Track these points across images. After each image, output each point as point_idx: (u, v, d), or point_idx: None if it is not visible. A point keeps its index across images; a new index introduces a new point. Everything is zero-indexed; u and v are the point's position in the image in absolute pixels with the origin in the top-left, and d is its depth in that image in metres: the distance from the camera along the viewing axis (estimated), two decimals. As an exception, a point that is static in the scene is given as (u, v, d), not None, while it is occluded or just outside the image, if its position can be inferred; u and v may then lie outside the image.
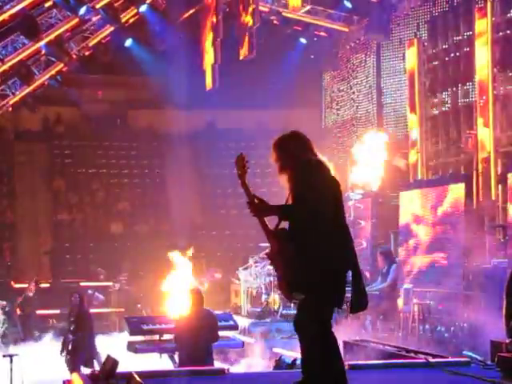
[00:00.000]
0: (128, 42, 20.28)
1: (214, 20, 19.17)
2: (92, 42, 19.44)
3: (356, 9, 18.79)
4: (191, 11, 19.85)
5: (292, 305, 12.91)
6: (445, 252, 14.43)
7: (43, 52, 18.29)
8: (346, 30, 19.68)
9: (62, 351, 11.57)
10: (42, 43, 17.52)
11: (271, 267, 14.60)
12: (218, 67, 19.47)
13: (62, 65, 19.33)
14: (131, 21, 19.70)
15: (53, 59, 18.88)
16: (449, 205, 14.52)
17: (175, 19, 19.39)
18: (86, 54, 19.58)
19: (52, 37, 17.59)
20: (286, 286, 5.04)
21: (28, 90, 19.56)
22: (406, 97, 18.05)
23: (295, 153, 5.13)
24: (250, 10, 17.57)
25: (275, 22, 19.17)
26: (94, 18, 18.67)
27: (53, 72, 19.59)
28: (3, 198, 23.18)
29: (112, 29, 19.21)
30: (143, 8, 18.72)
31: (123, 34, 19.96)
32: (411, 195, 16.18)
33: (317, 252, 4.87)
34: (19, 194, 23.50)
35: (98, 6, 17.45)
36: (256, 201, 5.14)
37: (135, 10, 19.14)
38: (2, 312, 13.76)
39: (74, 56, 19.25)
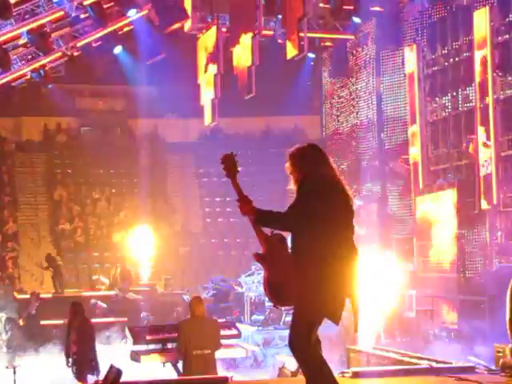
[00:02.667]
0: (117, 50, 20.18)
1: (213, 52, 19.07)
2: (80, 43, 19.27)
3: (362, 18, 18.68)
4: (180, 23, 19.81)
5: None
6: (448, 256, 14.44)
7: (26, 41, 18.10)
8: (353, 37, 19.65)
9: (67, 363, 11.56)
10: (23, 29, 17.41)
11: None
12: (217, 102, 19.37)
13: (46, 60, 19.20)
14: (124, 30, 19.69)
15: (39, 53, 18.80)
16: (450, 209, 14.53)
17: (163, 29, 19.37)
18: (75, 54, 19.48)
19: (34, 25, 17.44)
20: (271, 290, 5.04)
21: (8, 77, 19.35)
22: (406, 102, 18.07)
23: (311, 166, 5.09)
24: (250, 45, 17.42)
25: (280, 41, 19.01)
26: (86, 21, 18.68)
27: (36, 65, 19.39)
28: (5, 209, 23.18)
29: (103, 33, 19.19)
30: (132, 13, 18.66)
31: (113, 41, 19.89)
32: (413, 201, 16.20)
33: (314, 265, 4.88)
34: (21, 204, 23.52)
35: (85, 3, 17.41)
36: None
37: (128, 20, 19.16)
38: (6, 322, 13.72)
39: (61, 53, 19.16)
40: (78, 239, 23.05)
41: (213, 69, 19.25)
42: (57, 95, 22.70)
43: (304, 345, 4.80)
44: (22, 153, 24.78)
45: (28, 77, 19.69)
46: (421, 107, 17.26)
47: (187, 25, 19.74)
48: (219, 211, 23.47)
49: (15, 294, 17.09)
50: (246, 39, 17.61)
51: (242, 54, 17.77)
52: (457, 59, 16.27)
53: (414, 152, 17.43)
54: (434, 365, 6.88)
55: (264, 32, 18.24)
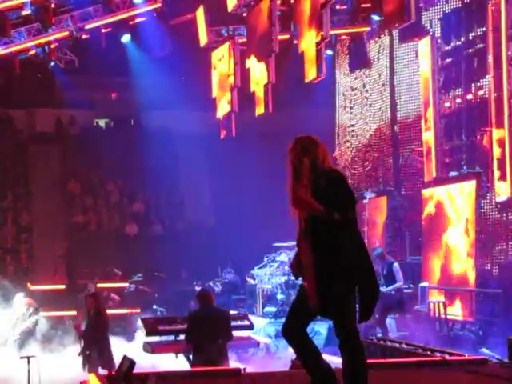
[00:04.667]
0: (125, 38, 20.13)
1: (231, 69, 18.94)
2: (89, 26, 19.15)
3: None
4: (189, 16, 19.79)
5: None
6: (461, 250, 14.38)
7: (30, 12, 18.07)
8: (368, 28, 19.50)
9: (80, 353, 11.61)
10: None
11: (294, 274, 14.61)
12: (234, 116, 19.26)
13: (52, 36, 19.22)
14: (136, 21, 19.67)
15: (47, 30, 18.81)
16: (463, 202, 14.47)
17: (172, 21, 19.35)
18: (83, 37, 19.46)
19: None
20: (315, 296, 4.96)
21: (12, 48, 19.37)
22: (419, 94, 17.98)
23: (321, 159, 5.09)
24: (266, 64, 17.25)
25: (296, 42, 18.87)
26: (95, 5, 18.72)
27: (42, 41, 19.35)
28: (19, 200, 23.31)
29: (112, 19, 19.18)
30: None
31: (123, 30, 19.86)
32: (426, 193, 16.14)
33: (345, 264, 4.88)
34: (35, 196, 23.64)
35: None
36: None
37: (138, 11, 19.16)
38: (33, 312, 13.70)
39: (68, 32, 19.17)
40: (91, 231, 23.16)
41: (229, 83, 19.14)
42: (70, 87, 22.74)
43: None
44: (35, 145, 24.87)
45: (33, 52, 19.63)
46: (435, 99, 17.18)
47: (203, 40, 19.71)
48: (231, 204, 23.46)
49: (29, 285, 17.17)
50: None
51: (259, 71, 17.63)
52: (471, 51, 16.17)
53: (428, 144, 17.36)
54: (447, 357, 6.86)
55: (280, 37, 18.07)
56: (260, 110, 17.74)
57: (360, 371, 4.91)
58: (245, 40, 18.98)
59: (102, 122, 27.07)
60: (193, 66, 21.90)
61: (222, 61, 19.69)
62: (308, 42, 15.73)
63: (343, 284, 4.86)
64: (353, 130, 21.18)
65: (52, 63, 20.02)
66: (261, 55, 17.52)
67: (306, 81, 16.05)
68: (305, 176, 4.95)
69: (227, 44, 19.26)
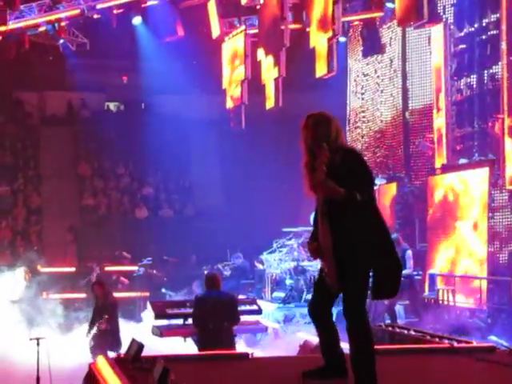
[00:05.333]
0: (136, 20, 20.03)
1: (242, 62, 18.83)
2: (101, 5, 19.08)
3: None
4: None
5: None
6: (471, 237, 14.35)
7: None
8: (382, 13, 19.35)
9: (88, 333, 11.68)
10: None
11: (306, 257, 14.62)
12: (244, 107, 19.18)
13: (63, 14, 19.19)
14: (147, 3, 19.62)
15: (58, 7, 18.81)
16: (475, 189, 14.42)
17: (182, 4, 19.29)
18: (94, 16, 19.41)
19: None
20: (333, 276, 4.94)
21: (22, 23, 19.37)
22: (431, 81, 17.88)
23: (335, 133, 5.01)
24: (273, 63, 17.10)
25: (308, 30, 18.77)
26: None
27: (52, 17, 19.37)
28: (30, 183, 23.38)
29: (126, 0, 19.14)
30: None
31: (135, 13, 19.78)
32: (437, 180, 16.09)
33: (364, 242, 4.83)
34: (45, 179, 23.70)
35: None
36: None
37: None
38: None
39: (79, 11, 19.15)
40: (101, 214, 23.21)
41: (239, 74, 19.07)
42: (81, 70, 22.73)
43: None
44: (46, 127, 24.91)
45: (43, 28, 19.61)
46: (446, 86, 17.08)
47: (215, 32, 19.63)
48: (241, 188, 23.46)
49: (39, 267, 17.24)
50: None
51: (270, 64, 17.54)
52: (484, 37, 16.06)
53: (439, 131, 17.28)
54: (455, 344, 6.85)
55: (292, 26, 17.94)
56: (270, 103, 17.73)
57: (367, 354, 4.83)
58: (256, 31, 18.88)
59: (112, 106, 27.06)
60: (204, 51, 21.85)
61: (232, 53, 19.63)
62: (319, 37, 15.65)
63: (360, 262, 4.82)
64: (364, 117, 21.10)
65: (61, 41, 19.98)
66: (270, 49, 17.43)
67: (317, 76, 15.96)
68: (324, 156, 4.85)
69: (238, 36, 19.17)
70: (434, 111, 17.59)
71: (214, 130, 23.82)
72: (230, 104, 19.91)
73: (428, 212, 16.18)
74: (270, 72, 17.62)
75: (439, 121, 17.32)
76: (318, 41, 15.66)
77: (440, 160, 17.06)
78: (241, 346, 10.91)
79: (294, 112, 21.74)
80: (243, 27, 19.23)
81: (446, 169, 16.33)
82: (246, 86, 18.85)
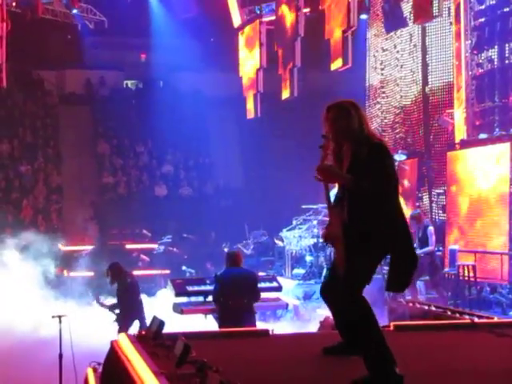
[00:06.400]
0: None
1: (257, 51, 18.66)
2: None
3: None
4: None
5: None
6: (492, 213, 14.26)
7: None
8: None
9: (110, 310, 11.77)
10: None
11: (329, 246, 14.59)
12: (260, 97, 19.03)
13: None
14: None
15: None
16: (496, 165, 14.31)
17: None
18: None
19: None
20: (342, 265, 4.89)
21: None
22: (451, 55, 17.69)
23: (361, 123, 4.91)
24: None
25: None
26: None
27: None
28: (49, 162, 23.49)
29: None
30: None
31: None
32: (457, 155, 15.98)
33: (378, 230, 4.75)
34: (65, 158, 23.81)
35: None
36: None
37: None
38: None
39: None
40: (120, 192, 23.30)
41: (255, 63, 18.96)
42: (99, 48, 22.73)
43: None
44: (65, 106, 24.98)
45: None
46: (467, 60, 16.89)
47: (236, 22, 19.50)
48: (260, 166, 23.46)
49: (60, 245, 17.37)
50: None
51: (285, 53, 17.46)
52: (506, 10, 15.84)
53: (459, 106, 17.12)
54: (476, 320, 6.83)
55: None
56: (286, 93, 17.65)
57: (367, 335, 4.67)
58: (273, 19, 18.74)
59: (131, 84, 27.08)
60: (220, 28, 21.77)
61: (248, 41, 19.52)
62: (334, 29, 15.53)
63: (367, 250, 4.75)
64: (383, 92, 20.94)
65: (74, 10, 19.97)
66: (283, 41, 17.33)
67: (332, 69, 15.89)
68: (326, 149, 4.87)
69: (254, 24, 19.07)
70: (454, 86, 17.42)
71: (232, 108, 23.76)
72: (245, 93, 19.77)
73: (448, 187, 16.09)
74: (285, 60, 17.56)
75: (459, 95, 17.15)
76: (333, 33, 15.56)
77: (459, 135, 16.93)
78: (261, 323, 10.95)
79: (315, 88, 21.76)
80: (258, 15, 19.15)
81: (465, 144, 16.20)
82: (261, 74, 18.74)
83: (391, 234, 4.79)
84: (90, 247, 18.33)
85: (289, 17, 17.83)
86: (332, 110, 4.96)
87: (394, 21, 19.81)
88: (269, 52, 18.87)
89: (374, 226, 4.76)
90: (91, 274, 16.38)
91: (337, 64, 15.48)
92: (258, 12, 19.56)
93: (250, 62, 19.42)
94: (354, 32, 16.51)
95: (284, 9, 17.92)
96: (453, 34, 17.43)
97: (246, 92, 19.81)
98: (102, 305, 12.02)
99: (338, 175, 4.84)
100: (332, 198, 5.09)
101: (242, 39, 19.99)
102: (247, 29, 19.52)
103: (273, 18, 18.81)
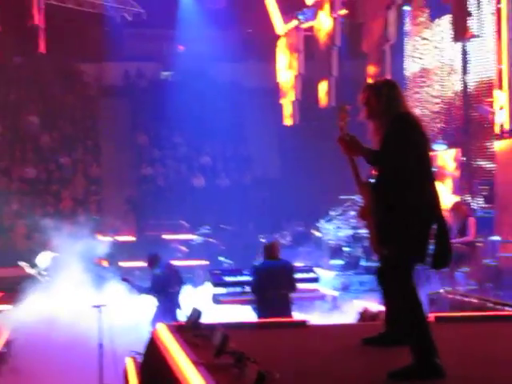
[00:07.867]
0: None
1: (295, 59, 18.51)
2: None
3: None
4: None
5: (376, 258, 12.79)
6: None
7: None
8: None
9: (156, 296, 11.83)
10: None
11: (362, 224, 14.52)
12: (298, 103, 18.87)
13: None
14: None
15: None
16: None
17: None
18: None
19: None
20: (375, 240, 4.86)
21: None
22: (493, 43, 17.40)
23: (392, 101, 4.91)
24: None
25: None
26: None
27: None
28: (89, 153, 23.72)
29: None
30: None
31: None
32: (500, 145, 15.75)
33: (404, 204, 4.70)
34: (104, 149, 24.00)
35: None
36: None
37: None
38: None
39: None
40: (159, 183, 23.43)
41: (293, 69, 18.83)
42: (137, 40, 22.85)
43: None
44: (104, 98, 25.18)
45: None
46: (509, 47, 16.60)
47: (278, 28, 19.36)
48: (297, 157, 23.37)
49: (99, 236, 17.52)
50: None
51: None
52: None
53: (501, 95, 16.85)
54: (518, 312, 6.73)
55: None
56: (323, 101, 17.50)
57: (413, 319, 4.58)
58: (311, 25, 18.58)
59: (168, 75, 27.18)
60: (259, 19, 21.72)
61: (287, 46, 19.36)
62: (372, 42, 15.39)
63: (398, 226, 4.67)
64: (423, 81, 20.72)
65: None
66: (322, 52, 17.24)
67: (368, 81, 15.78)
68: (341, 120, 4.89)
69: (292, 29, 18.94)
70: (496, 75, 17.14)
71: (270, 99, 23.70)
72: (283, 100, 19.58)
73: (492, 177, 15.87)
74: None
75: (501, 84, 16.87)
76: (371, 46, 15.44)
77: (501, 124, 16.66)
78: (298, 314, 10.93)
79: (353, 77, 21.56)
80: (296, 22, 18.95)
81: (508, 133, 15.94)
82: (299, 81, 18.59)
83: (426, 206, 4.70)
84: (128, 238, 18.48)
85: (326, 25, 17.64)
86: (366, 90, 5.04)
87: (438, 8, 19.59)
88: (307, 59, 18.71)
89: (403, 201, 4.68)
90: (130, 264, 16.49)
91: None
92: (301, 17, 19.41)
93: (287, 68, 19.28)
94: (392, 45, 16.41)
95: (322, 16, 17.76)
96: (495, 20, 17.14)
97: (282, 99, 19.60)
98: (126, 280, 11.93)
99: (357, 147, 4.80)
100: None
101: (280, 45, 19.79)
102: (285, 35, 19.43)
103: (312, 24, 18.65)
